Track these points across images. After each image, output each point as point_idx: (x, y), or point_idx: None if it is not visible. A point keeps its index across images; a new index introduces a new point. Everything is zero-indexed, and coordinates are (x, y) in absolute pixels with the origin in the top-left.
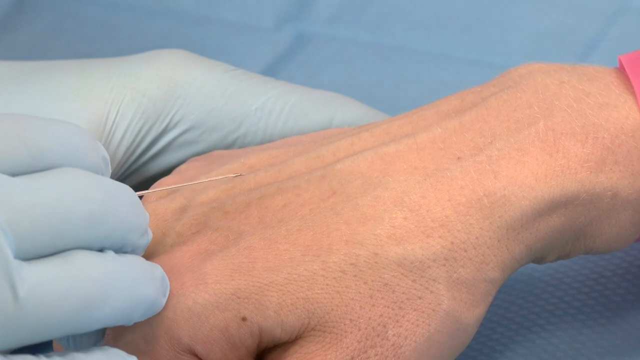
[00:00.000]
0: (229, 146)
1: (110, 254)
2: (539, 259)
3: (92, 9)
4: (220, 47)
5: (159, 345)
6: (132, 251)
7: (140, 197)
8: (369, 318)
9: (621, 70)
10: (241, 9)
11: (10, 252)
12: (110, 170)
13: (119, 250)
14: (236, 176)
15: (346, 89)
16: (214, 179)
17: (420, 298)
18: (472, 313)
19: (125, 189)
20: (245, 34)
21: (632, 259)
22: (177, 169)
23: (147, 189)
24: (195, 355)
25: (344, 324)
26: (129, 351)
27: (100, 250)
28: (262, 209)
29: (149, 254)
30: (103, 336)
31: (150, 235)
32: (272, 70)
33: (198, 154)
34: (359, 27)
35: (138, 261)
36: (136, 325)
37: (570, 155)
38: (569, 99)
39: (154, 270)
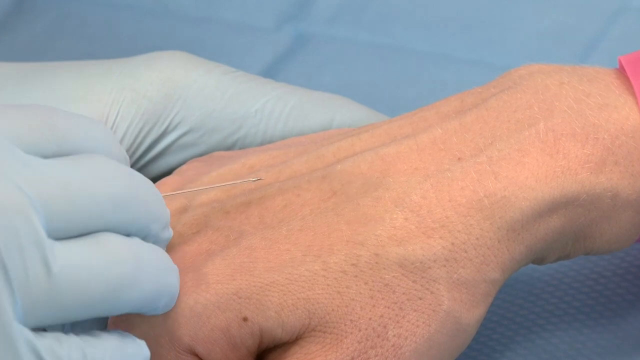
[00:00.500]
0: (229, 148)
1: (137, 240)
2: (539, 260)
3: (92, 9)
4: (220, 48)
5: (160, 345)
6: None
7: None
8: (370, 319)
9: (621, 71)
10: (241, 9)
11: (43, 229)
12: (129, 167)
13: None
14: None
15: (346, 89)
16: (247, 180)
17: (420, 299)
18: (472, 314)
19: (147, 181)
20: (245, 34)
21: (632, 259)
22: (178, 170)
23: None
24: (196, 355)
25: (345, 325)
26: None
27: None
28: (263, 209)
29: None
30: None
31: (172, 232)
32: (272, 70)
33: (198, 156)
34: (359, 27)
35: (162, 250)
36: (136, 325)
37: (570, 156)
38: (569, 99)
39: (172, 264)
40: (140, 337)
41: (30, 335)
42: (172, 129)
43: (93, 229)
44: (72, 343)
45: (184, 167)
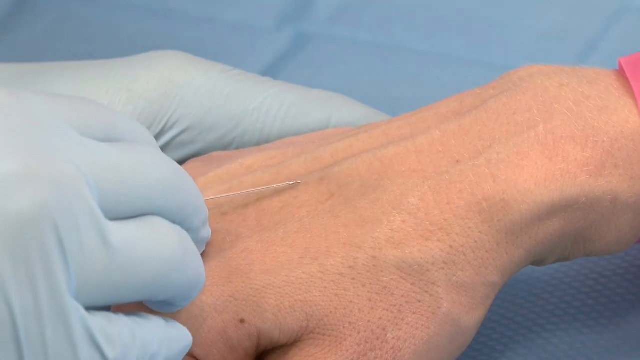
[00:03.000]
0: (226, 146)
1: (180, 228)
2: (538, 262)
3: (92, 9)
4: (220, 47)
5: None
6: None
7: None
8: (368, 321)
9: (621, 73)
10: (241, 9)
11: (98, 208)
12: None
13: None
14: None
15: (346, 89)
16: (285, 184)
17: (419, 301)
18: (471, 316)
19: (189, 175)
20: (245, 34)
21: (632, 258)
22: None
23: None
24: (194, 357)
25: (343, 327)
26: None
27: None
28: (260, 211)
29: None
30: None
31: (210, 231)
32: (272, 70)
33: (196, 153)
34: (359, 27)
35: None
36: None
37: (569, 159)
38: (569, 102)
39: None
40: None
41: (84, 312)
42: (169, 127)
43: (142, 212)
44: (121, 322)
45: (182, 167)
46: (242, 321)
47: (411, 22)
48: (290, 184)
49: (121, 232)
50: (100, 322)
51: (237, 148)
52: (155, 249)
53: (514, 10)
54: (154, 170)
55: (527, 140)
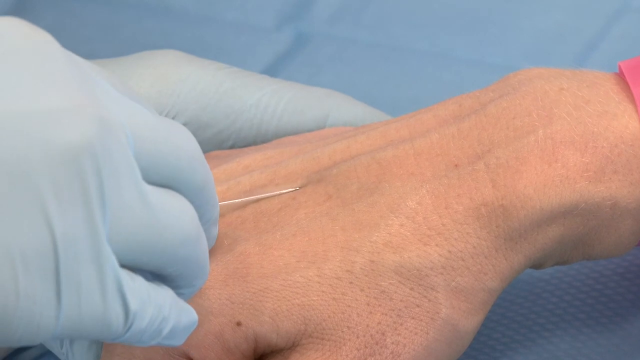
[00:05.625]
0: (223, 142)
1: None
2: (536, 266)
3: (92, 9)
4: (220, 47)
5: (154, 351)
6: None
7: None
8: (367, 325)
9: (621, 76)
10: (241, 9)
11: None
12: None
13: None
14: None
15: (346, 89)
16: (288, 191)
17: (418, 306)
18: (470, 321)
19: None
20: (245, 34)
21: (632, 258)
22: None
23: None
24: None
25: (342, 332)
26: (124, 357)
27: None
28: (258, 213)
29: None
30: (101, 346)
31: (216, 235)
32: (272, 70)
33: None
34: (359, 27)
35: None
36: None
37: (569, 164)
38: (569, 106)
39: None
40: None
41: (115, 260)
42: None
43: (166, 182)
44: (140, 280)
45: None
46: (238, 324)
47: (411, 22)
48: (290, 191)
49: (152, 191)
50: (125, 274)
51: (234, 144)
52: (178, 216)
53: (514, 10)
54: (184, 141)
55: (527, 145)
